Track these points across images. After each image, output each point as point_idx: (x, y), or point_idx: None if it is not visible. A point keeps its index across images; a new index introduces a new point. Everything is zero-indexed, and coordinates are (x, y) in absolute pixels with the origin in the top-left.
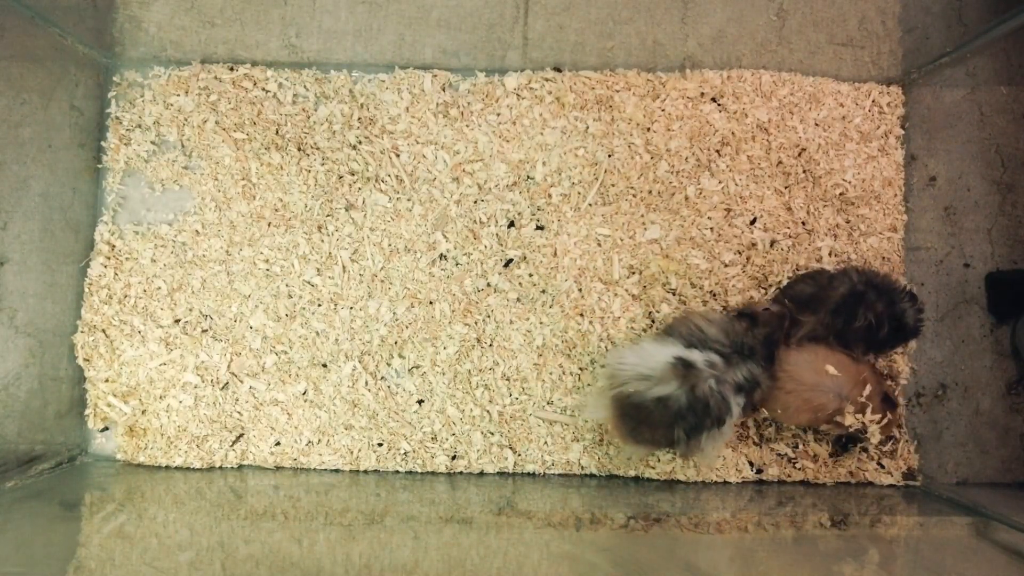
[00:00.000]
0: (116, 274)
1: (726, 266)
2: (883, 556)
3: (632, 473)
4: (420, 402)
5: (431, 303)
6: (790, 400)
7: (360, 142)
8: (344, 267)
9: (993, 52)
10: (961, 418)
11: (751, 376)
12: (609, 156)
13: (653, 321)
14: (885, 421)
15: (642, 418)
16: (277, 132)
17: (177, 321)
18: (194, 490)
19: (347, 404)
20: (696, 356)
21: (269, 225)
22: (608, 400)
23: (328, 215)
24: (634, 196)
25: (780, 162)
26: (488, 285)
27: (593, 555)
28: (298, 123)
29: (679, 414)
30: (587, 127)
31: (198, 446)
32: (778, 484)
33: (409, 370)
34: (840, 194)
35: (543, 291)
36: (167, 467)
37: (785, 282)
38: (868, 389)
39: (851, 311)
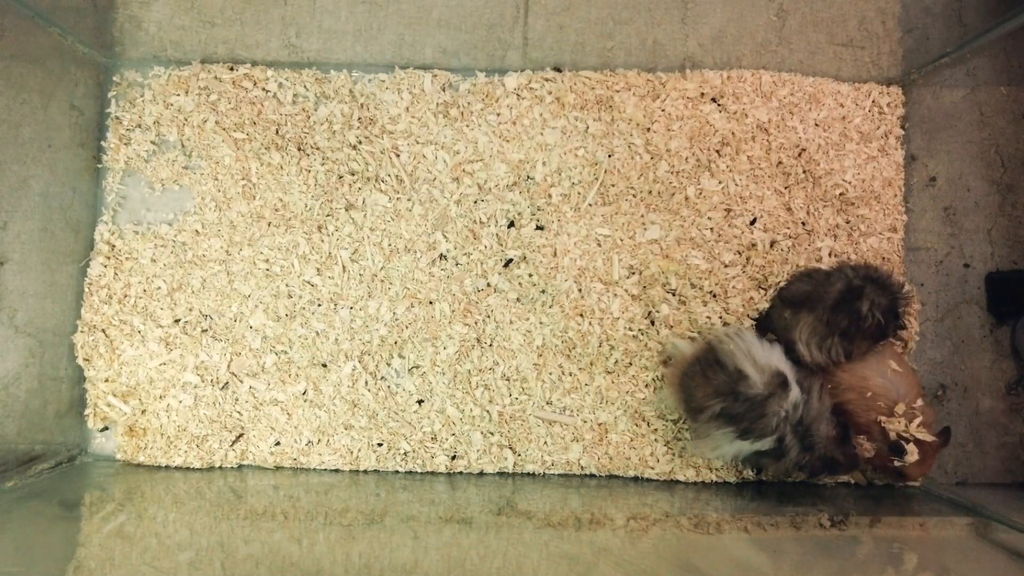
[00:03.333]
0: (116, 274)
1: (726, 266)
2: (883, 556)
3: (632, 473)
4: (420, 402)
5: (431, 303)
6: (843, 377)
7: (360, 142)
8: (344, 267)
9: (993, 52)
10: (961, 418)
11: (787, 449)
12: (609, 156)
13: (653, 322)
14: (929, 449)
15: (708, 371)
16: (277, 132)
17: (177, 321)
18: (194, 490)
19: (347, 404)
20: (796, 391)
21: (269, 225)
22: (700, 344)
23: (328, 215)
24: (634, 196)
25: (780, 162)
26: (488, 285)
27: (593, 555)
28: (298, 123)
29: (734, 395)
30: (587, 127)
31: (198, 446)
32: (778, 484)
33: (409, 370)
34: (840, 194)
35: (543, 291)
36: (167, 467)
37: (784, 283)
38: (920, 402)
39: (851, 307)
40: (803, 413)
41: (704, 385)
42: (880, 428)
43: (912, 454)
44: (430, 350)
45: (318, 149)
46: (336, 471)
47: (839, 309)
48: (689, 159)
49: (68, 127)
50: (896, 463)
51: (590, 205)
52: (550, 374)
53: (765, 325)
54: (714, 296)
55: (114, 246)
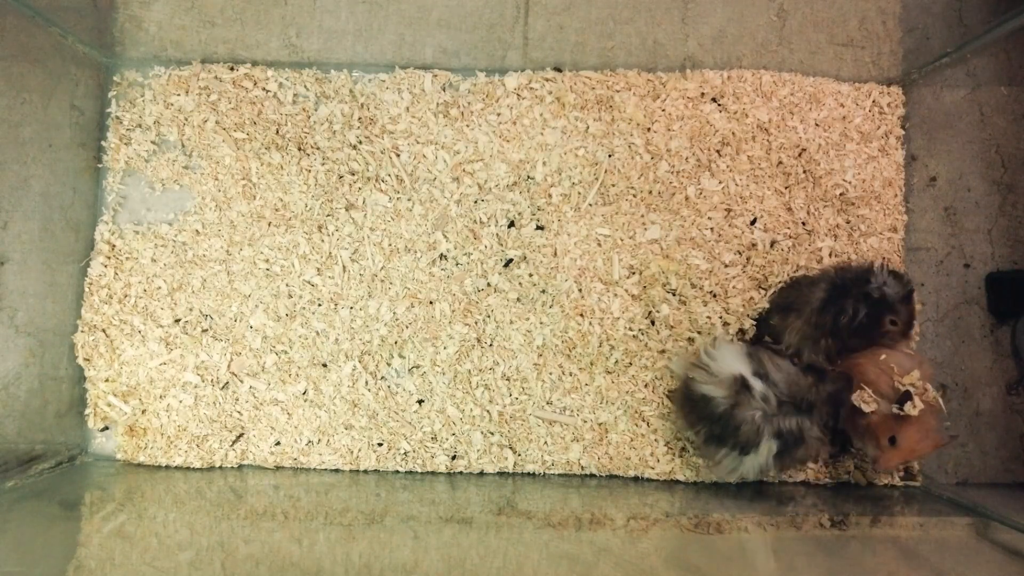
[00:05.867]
0: (116, 274)
1: (726, 266)
2: (883, 556)
3: (632, 473)
4: (420, 402)
5: (431, 303)
6: (856, 358)
7: (360, 142)
8: (344, 267)
9: (993, 52)
10: (961, 418)
11: (798, 429)
12: (609, 156)
13: (653, 322)
14: (928, 430)
15: (687, 402)
16: (277, 132)
17: (177, 321)
18: (194, 490)
19: (347, 404)
20: (758, 385)
21: (269, 225)
22: (687, 364)
23: (328, 215)
24: (634, 196)
25: (780, 162)
26: (488, 285)
27: (593, 555)
28: (298, 123)
29: (710, 417)
30: (587, 127)
31: (198, 446)
32: (778, 484)
33: (409, 370)
34: (840, 194)
35: (543, 291)
36: (167, 467)
37: (782, 285)
38: (918, 373)
39: (838, 305)
40: (782, 391)
41: (688, 415)
42: (891, 389)
43: (915, 409)
44: (430, 350)
45: (318, 149)
46: (336, 471)
47: (826, 310)
48: (689, 159)
49: (68, 127)
50: (896, 410)
51: (590, 205)
52: (550, 374)
53: (763, 330)
54: (714, 296)
55: (114, 246)
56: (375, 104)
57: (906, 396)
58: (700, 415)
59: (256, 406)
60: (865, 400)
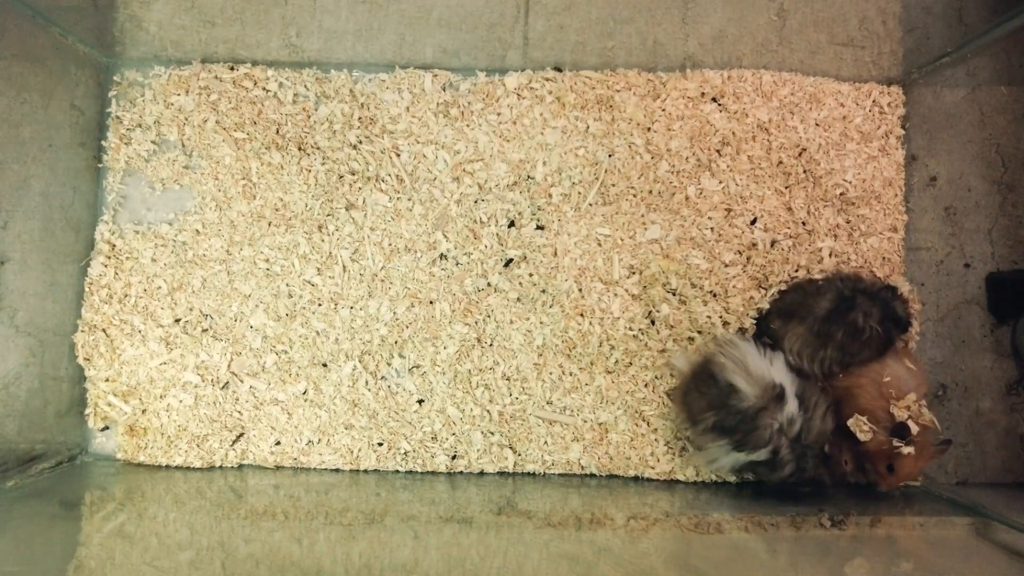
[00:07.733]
0: (116, 273)
1: (726, 266)
2: (883, 556)
3: (632, 473)
4: (420, 402)
5: (431, 303)
6: (861, 370)
7: (360, 142)
8: (344, 267)
9: (994, 52)
10: (961, 418)
11: (782, 460)
12: (609, 156)
13: (653, 322)
14: (923, 453)
15: (703, 384)
16: (277, 132)
17: (177, 320)
18: (194, 489)
19: (347, 404)
20: (793, 404)
21: (269, 225)
22: (697, 356)
23: (328, 215)
24: (634, 196)
25: (780, 162)
26: (488, 285)
27: (593, 555)
28: (298, 123)
29: (728, 409)
30: (587, 127)
31: (198, 445)
32: (778, 484)
33: (409, 370)
34: (840, 194)
35: (543, 291)
36: (167, 466)
37: (783, 286)
38: (914, 396)
39: (844, 318)
40: (803, 430)
41: (699, 399)
42: (887, 414)
43: (910, 447)
44: (430, 350)
45: (318, 149)
46: (336, 471)
47: (831, 320)
48: (689, 159)
49: (68, 127)
50: (896, 444)
51: (590, 205)
52: (550, 374)
53: (762, 330)
54: (714, 296)
55: (114, 246)
56: (375, 104)
57: (903, 429)
58: (716, 402)
59: (256, 406)
60: (861, 429)
